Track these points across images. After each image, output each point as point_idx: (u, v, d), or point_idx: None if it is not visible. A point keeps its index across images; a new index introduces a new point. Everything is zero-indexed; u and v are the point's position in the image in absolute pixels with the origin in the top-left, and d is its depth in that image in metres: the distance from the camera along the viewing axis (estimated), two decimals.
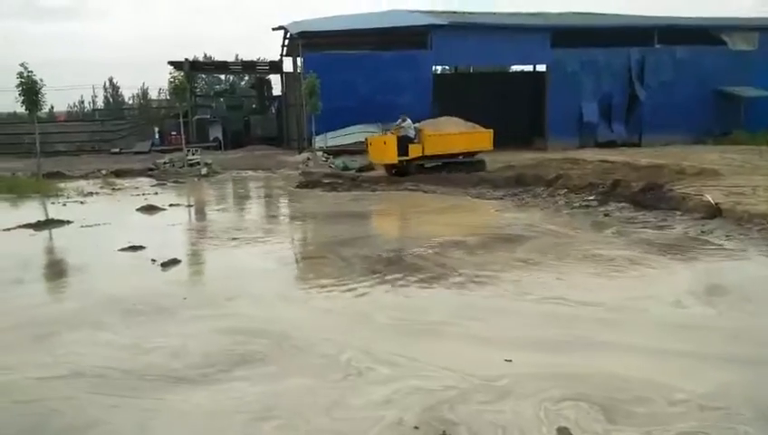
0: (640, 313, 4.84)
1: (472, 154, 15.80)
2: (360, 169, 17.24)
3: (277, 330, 4.62)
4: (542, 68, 25.85)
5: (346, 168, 18.03)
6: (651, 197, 9.68)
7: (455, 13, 27.01)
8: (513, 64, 31.86)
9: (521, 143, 23.21)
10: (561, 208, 10.20)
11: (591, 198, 10.51)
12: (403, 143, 14.87)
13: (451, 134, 15.36)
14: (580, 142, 23.40)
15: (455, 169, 15.03)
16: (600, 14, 28.66)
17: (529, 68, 30.12)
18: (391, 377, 3.70)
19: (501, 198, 11.75)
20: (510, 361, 3.85)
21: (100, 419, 3.29)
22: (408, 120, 15.29)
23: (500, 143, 23.63)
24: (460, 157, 15.48)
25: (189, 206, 12.57)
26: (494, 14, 27.87)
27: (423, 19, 23.49)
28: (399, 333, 4.56)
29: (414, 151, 14.98)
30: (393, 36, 24.31)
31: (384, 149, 15.23)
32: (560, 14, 28.38)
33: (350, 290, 5.72)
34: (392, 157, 14.94)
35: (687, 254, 6.78)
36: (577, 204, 10.34)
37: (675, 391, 3.42)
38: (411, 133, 15.04)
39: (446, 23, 22.84)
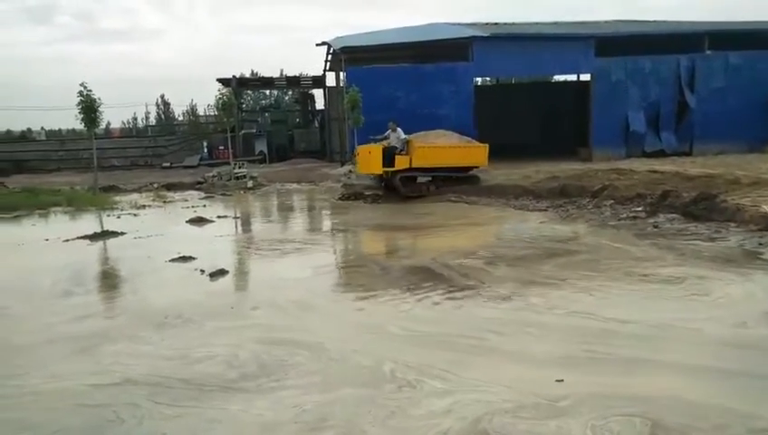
0: (696, 333, 4.57)
1: (466, 169, 15.13)
2: None
3: (314, 340, 4.69)
4: (585, 77, 25.40)
5: None
6: (704, 207, 9.34)
7: (496, 24, 26.93)
8: (556, 74, 31.45)
9: (565, 154, 22.81)
10: (607, 220, 9.96)
11: (639, 209, 10.23)
12: (389, 154, 14.26)
13: (441, 147, 14.68)
14: (627, 152, 22.80)
15: (444, 184, 14.41)
16: (646, 21, 28.00)
17: (572, 77, 29.66)
18: (445, 391, 3.68)
19: (544, 210, 11.57)
20: (561, 380, 3.71)
21: (165, 427, 3.40)
22: (399, 130, 14.76)
23: (543, 154, 23.42)
24: (454, 171, 14.71)
25: (236, 218, 12.92)
26: (536, 24, 27.60)
27: (464, 31, 23.52)
28: (440, 347, 4.53)
29: (401, 163, 14.28)
30: (434, 49, 24.41)
31: (369, 159, 14.62)
32: (604, 23, 27.89)
33: (385, 302, 5.77)
34: (377, 168, 14.35)
35: (745, 268, 6.45)
36: (624, 215, 10.07)
37: (754, 418, 3.21)
38: (398, 144, 14.47)
39: (487, 34, 22.79)
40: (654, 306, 5.28)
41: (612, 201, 11.03)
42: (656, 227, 9.09)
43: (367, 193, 15.14)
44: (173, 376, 4.09)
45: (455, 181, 14.67)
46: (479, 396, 3.58)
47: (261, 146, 28.24)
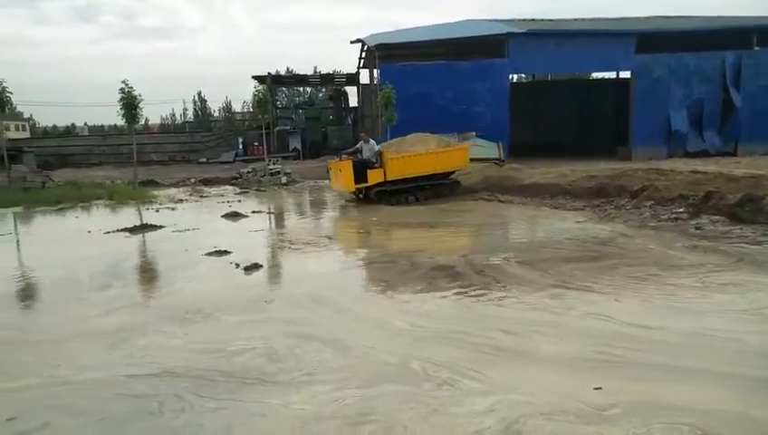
0: (740, 343, 4.32)
1: (446, 175, 14.08)
2: None
3: (343, 336, 4.69)
4: (625, 74, 24.80)
5: None
6: (749, 209, 8.98)
7: (533, 20, 26.51)
8: (595, 71, 30.79)
9: (602, 153, 22.34)
10: (646, 221, 9.68)
11: (681, 210, 9.90)
12: (361, 168, 13.22)
13: (416, 155, 13.59)
14: (668, 152, 22.19)
15: (423, 195, 13.52)
16: (689, 16, 27.13)
17: (612, 75, 29.00)
18: (484, 391, 3.63)
19: (581, 209, 11.33)
20: (599, 388, 3.58)
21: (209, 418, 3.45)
22: (372, 142, 13.78)
23: (580, 153, 22.99)
24: (435, 178, 13.74)
25: (270, 213, 13.07)
26: (575, 20, 27.05)
27: (500, 28, 23.23)
28: (471, 347, 4.47)
29: (374, 177, 13.26)
30: (469, 46, 24.21)
31: (339, 176, 13.55)
32: (645, 19, 27.14)
33: (411, 299, 5.74)
34: (348, 184, 13.31)
35: None
36: (665, 216, 9.77)
37: None
38: (372, 157, 13.46)
39: (523, 30, 22.46)
40: (695, 312, 5.08)
41: (652, 202, 10.71)
42: (698, 229, 8.79)
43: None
44: (214, 368, 4.13)
45: (435, 190, 13.77)
46: (519, 398, 3.51)
47: (295, 142, 28.55)
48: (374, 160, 13.40)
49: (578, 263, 6.98)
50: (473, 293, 5.89)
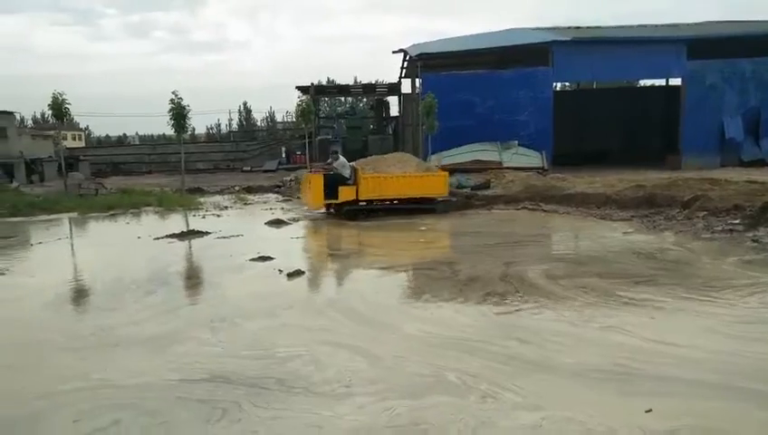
0: None
1: (426, 201, 13.19)
2: (475, 188, 17.00)
3: (377, 349, 4.65)
4: (676, 81, 24.02)
5: (460, 186, 17.88)
6: None
7: (578, 28, 26.03)
8: (643, 78, 29.97)
9: (650, 162, 21.65)
10: (699, 232, 9.30)
11: (737, 221, 9.47)
12: (332, 184, 12.43)
13: (391, 177, 12.90)
14: (722, 161, 21.28)
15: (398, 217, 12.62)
16: (745, 21, 26.07)
17: (661, 82, 28.14)
18: (533, 405, 3.56)
19: (629, 220, 10.98)
20: (650, 410, 3.43)
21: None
22: (342, 159, 12.96)
23: (627, 162, 22.34)
24: (411, 202, 12.96)
25: (312, 220, 13.19)
26: (622, 27, 26.41)
27: (544, 36, 22.91)
28: (513, 360, 4.38)
29: (345, 194, 12.50)
30: (512, 55, 23.94)
31: (309, 190, 12.86)
32: (696, 24, 26.26)
33: (450, 309, 5.69)
34: (317, 200, 12.57)
35: None
36: (719, 228, 9.36)
37: None
38: (346, 173, 12.67)
39: (568, 38, 22.07)
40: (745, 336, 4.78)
41: (705, 212, 10.29)
42: (755, 241, 8.38)
43: (439, 199, 14.88)
44: (264, 375, 4.15)
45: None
46: (567, 414, 3.41)
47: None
48: (347, 177, 12.68)
49: (624, 277, 6.75)
50: (507, 304, 5.77)
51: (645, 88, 31.11)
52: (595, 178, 16.47)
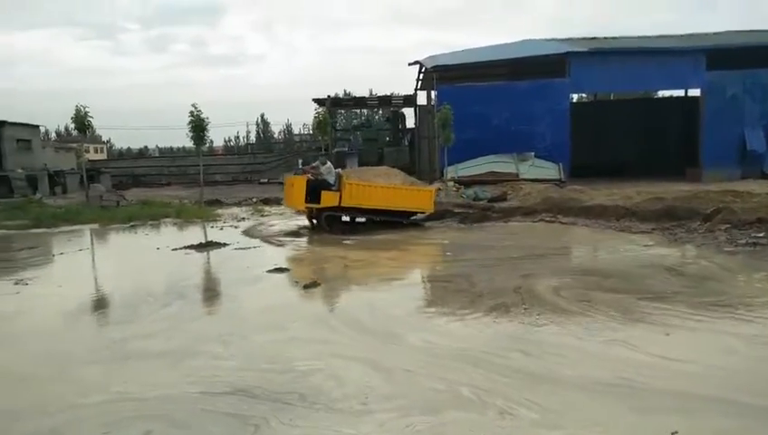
0: None
1: (409, 214, 13.05)
2: (492, 200, 16.94)
3: (391, 363, 4.62)
4: (695, 92, 23.78)
5: (477, 198, 17.85)
6: None
7: (594, 39, 25.93)
8: (661, 89, 29.70)
9: (669, 174, 21.38)
10: (721, 246, 9.13)
11: (761, 235, 9.30)
12: (315, 188, 12.25)
13: (377, 187, 12.85)
14: (743, 173, 20.95)
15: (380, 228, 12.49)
16: (764, 31, 25.74)
17: (680, 93, 27.87)
18: (554, 423, 3.51)
19: (649, 232, 10.82)
20: (676, 433, 3.33)
21: None
22: (329, 164, 12.83)
23: (645, 174, 22.09)
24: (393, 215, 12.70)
25: (329, 232, 13.22)
26: (639, 37, 26.25)
27: (560, 47, 22.86)
28: (514, 376, 4.33)
29: (327, 200, 12.27)
30: (528, 66, 23.93)
31: (291, 192, 12.72)
32: (715, 34, 26.00)
33: (468, 322, 5.65)
34: (299, 202, 12.43)
35: None
36: (742, 241, 9.19)
37: None
38: (331, 179, 12.46)
39: (585, 49, 22.01)
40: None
41: (728, 225, 10.12)
42: None
43: (456, 211, 14.87)
44: (294, 390, 4.10)
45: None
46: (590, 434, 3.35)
47: (352, 163, 28.93)
48: (332, 183, 12.49)
49: (646, 292, 6.65)
50: (520, 319, 5.70)
51: (663, 99, 30.80)
52: (613, 190, 16.32)
